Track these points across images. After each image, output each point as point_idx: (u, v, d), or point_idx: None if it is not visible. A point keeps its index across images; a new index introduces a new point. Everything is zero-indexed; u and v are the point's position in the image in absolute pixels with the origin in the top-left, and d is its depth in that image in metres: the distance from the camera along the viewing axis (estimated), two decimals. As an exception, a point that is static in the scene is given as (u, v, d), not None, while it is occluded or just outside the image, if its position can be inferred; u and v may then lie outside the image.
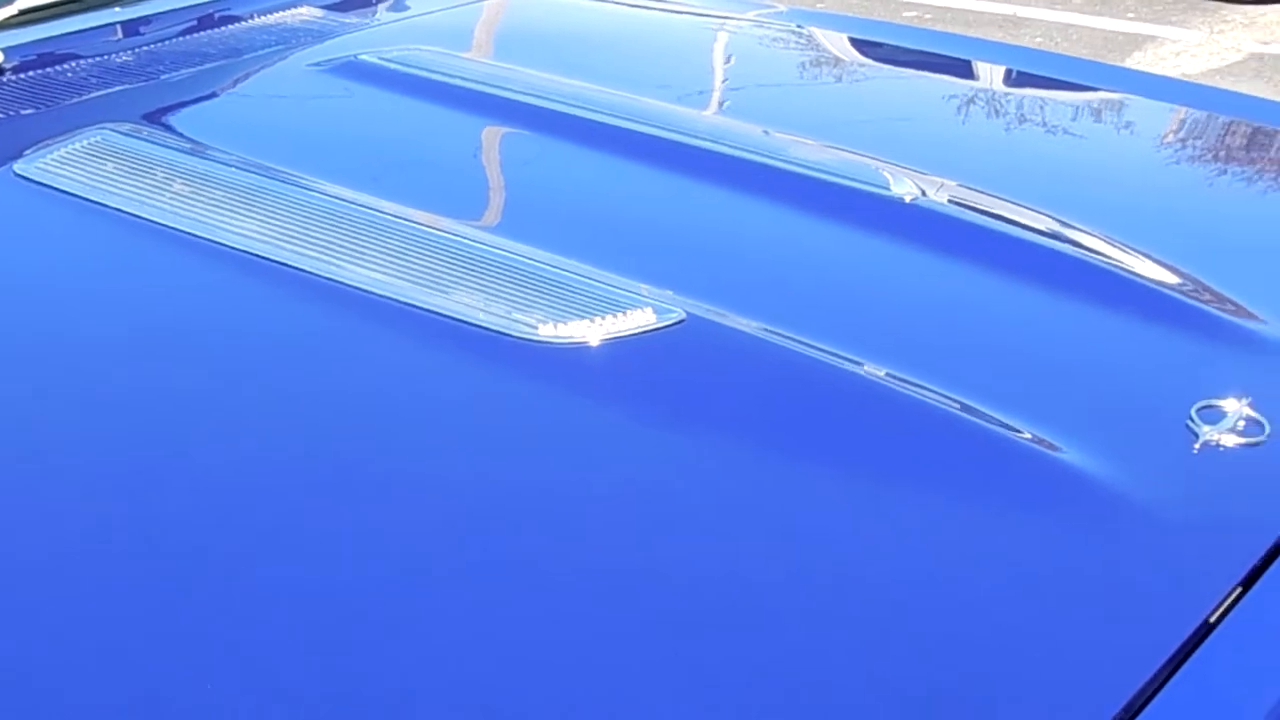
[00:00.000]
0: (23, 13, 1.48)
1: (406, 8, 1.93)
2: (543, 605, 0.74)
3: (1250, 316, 1.13)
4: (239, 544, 0.79)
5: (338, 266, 1.06)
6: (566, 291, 1.04)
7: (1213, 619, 0.77)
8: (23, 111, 1.39)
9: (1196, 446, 0.92)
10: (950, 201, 1.29)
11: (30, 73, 1.46)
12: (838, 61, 1.96)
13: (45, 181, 1.20)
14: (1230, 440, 0.92)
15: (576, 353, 0.98)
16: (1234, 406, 0.95)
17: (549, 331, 0.98)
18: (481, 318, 0.99)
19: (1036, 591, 0.81)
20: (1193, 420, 0.94)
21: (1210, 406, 0.95)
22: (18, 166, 1.22)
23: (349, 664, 0.68)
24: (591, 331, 0.98)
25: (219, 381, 0.98)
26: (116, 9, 1.60)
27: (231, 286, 1.09)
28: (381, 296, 1.02)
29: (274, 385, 0.99)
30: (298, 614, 0.72)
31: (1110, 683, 0.72)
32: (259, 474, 0.88)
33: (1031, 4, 6.06)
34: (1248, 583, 0.81)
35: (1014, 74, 1.83)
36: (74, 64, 1.51)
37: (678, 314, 1.00)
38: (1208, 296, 1.15)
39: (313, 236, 1.10)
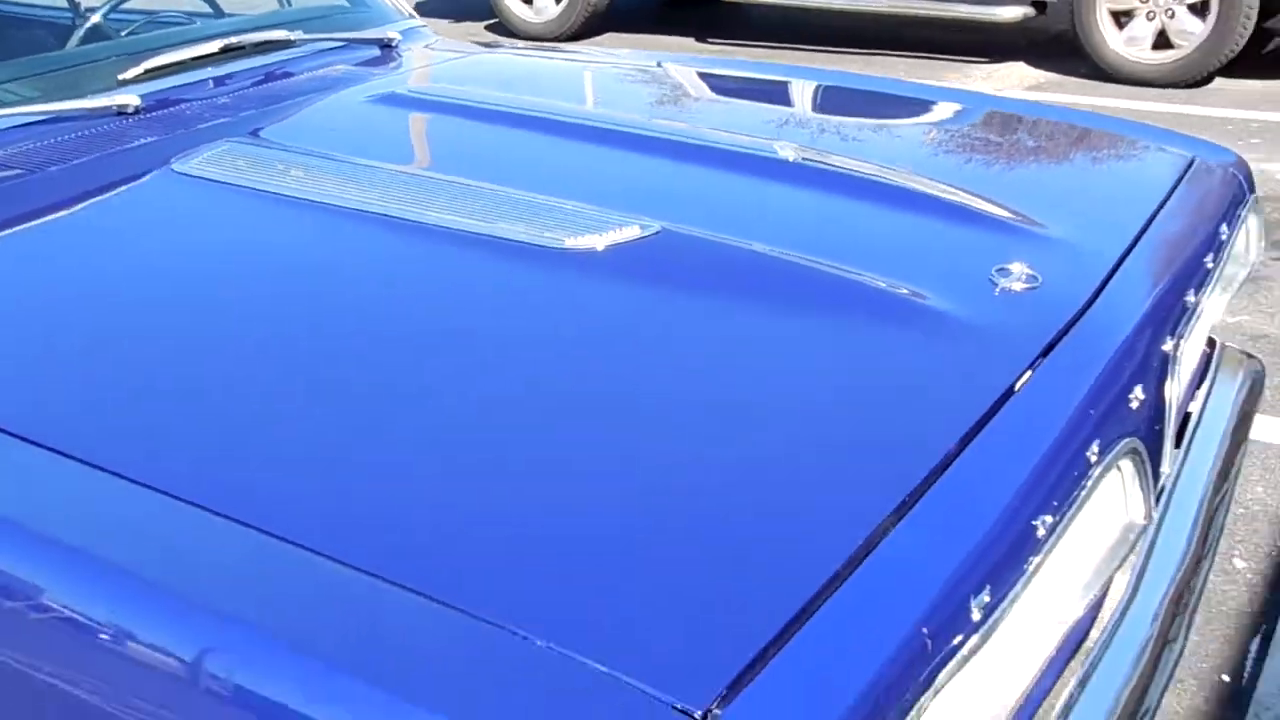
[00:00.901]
0: (147, 71, 1.93)
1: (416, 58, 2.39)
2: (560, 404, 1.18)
3: (1030, 221, 1.63)
4: (395, 370, 1.22)
5: (417, 212, 1.51)
6: (578, 220, 1.49)
7: (1015, 386, 1.23)
8: (163, 135, 1.82)
9: (996, 291, 1.40)
10: (818, 160, 1.79)
11: (160, 111, 1.90)
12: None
13: (198, 174, 1.64)
14: (1017, 286, 1.40)
15: (589, 254, 1.43)
16: (1018, 267, 1.42)
17: (572, 243, 1.43)
18: (524, 237, 1.45)
19: (890, 373, 1.26)
20: (993, 276, 1.41)
21: (1003, 268, 1.42)
22: (175, 166, 1.66)
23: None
24: (599, 241, 1.43)
25: (352, 283, 1.42)
26: (210, 69, 2.05)
27: (346, 229, 1.53)
28: (451, 229, 1.47)
29: (391, 284, 1.42)
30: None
31: (929, 429, 1.15)
32: (397, 333, 1.31)
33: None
34: (1033, 367, 1.27)
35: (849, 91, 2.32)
36: (187, 104, 1.96)
37: (656, 227, 1.46)
38: (1003, 211, 1.64)
39: (391, 194, 1.56)
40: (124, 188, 1.66)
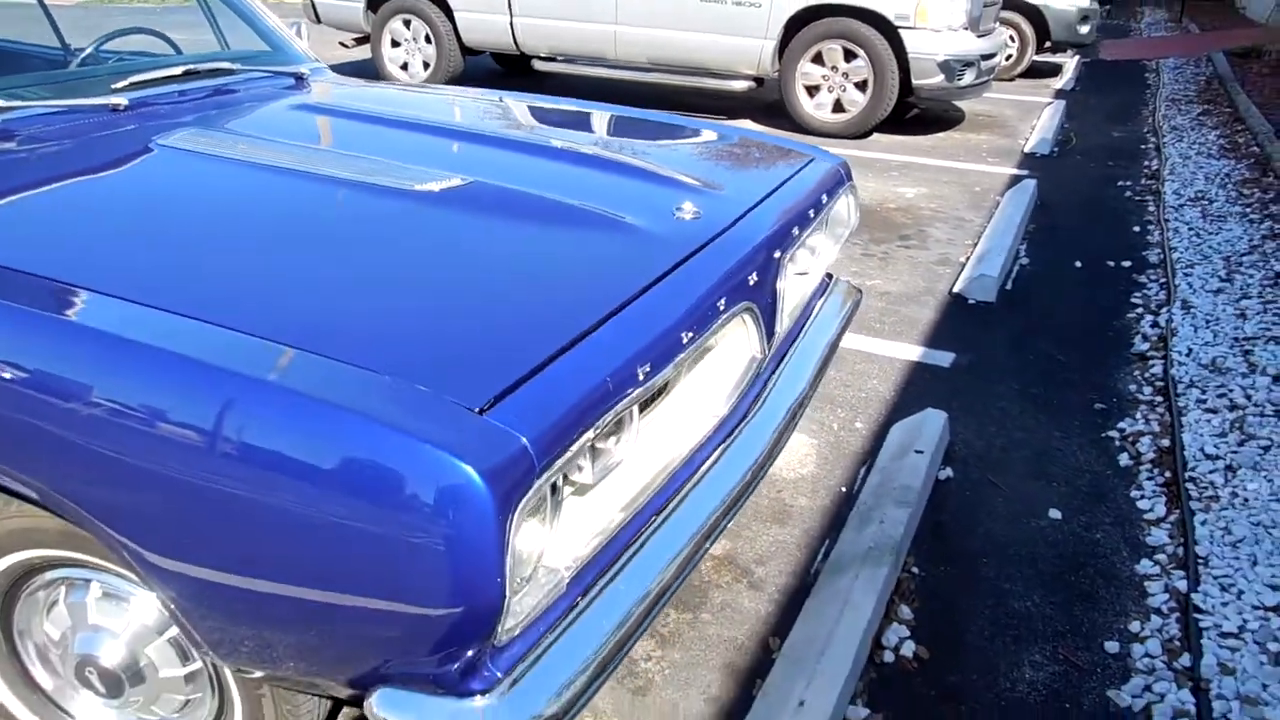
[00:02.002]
0: (131, 84, 2.08)
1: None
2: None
3: (705, 185, 1.91)
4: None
5: (323, 170, 1.74)
6: (422, 176, 1.74)
7: (679, 263, 1.52)
8: (145, 123, 1.98)
9: (673, 218, 1.69)
10: (577, 146, 2.04)
11: (142, 109, 2.05)
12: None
13: (172, 146, 1.83)
14: (687, 216, 1.70)
15: (429, 193, 1.68)
16: (689, 206, 1.73)
17: (419, 187, 1.68)
18: (390, 183, 1.69)
19: (605, 253, 1.53)
20: (672, 210, 1.71)
21: (679, 207, 1.72)
22: (158, 140, 1.84)
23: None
24: (436, 186, 1.69)
25: (284, 207, 1.62)
26: (175, 84, 2.19)
27: (276, 179, 1.73)
28: (345, 179, 1.70)
29: (311, 206, 1.61)
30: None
31: (628, 280, 1.43)
32: (316, 231, 1.52)
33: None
34: (690, 256, 1.57)
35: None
36: (160, 106, 2.11)
37: (470, 179, 1.73)
38: (689, 179, 1.92)
39: (305, 159, 1.78)
40: (124, 152, 1.82)
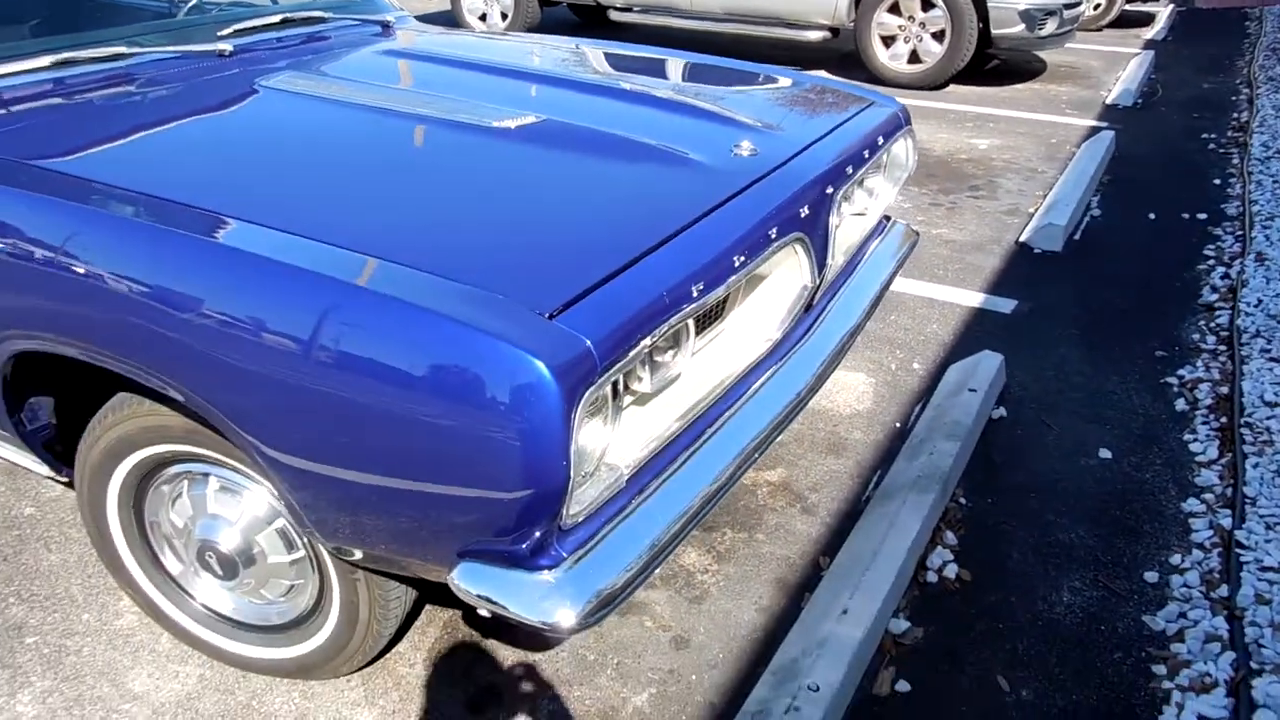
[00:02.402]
0: (235, 31, 2.26)
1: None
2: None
3: (766, 126, 2.01)
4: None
5: (409, 108, 1.89)
6: (500, 114, 1.88)
7: (736, 195, 1.63)
8: (250, 67, 2.16)
9: (731, 155, 1.80)
10: (646, 89, 2.15)
11: (245, 54, 2.23)
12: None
13: (275, 87, 2.00)
14: (745, 153, 1.80)
15: (506, 129, 1.81)
16: (746, 145, 1.83)
17: (497, 124, 1.82)
18: (470, 120, 1.83)
19: (670, 185, 1.64)
20: (731, 148, 1.82)
21: (738, 144, 1.83)
22: (261, 81, 2.02)
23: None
24: (512, 123, 1.83)
25: (379, 138, 1.77)
26: (273, 32, 2.36)
27: (369, 116, 1.88)
28: (429, 116, 1.85)
29: (402, 138, 1.76)
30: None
31: (691, 206, 1.55)
32: (408, 159, 1.67)
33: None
34: (746, 189, 1.68)
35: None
36: (261, 51, 2.28)
37: (543, 117, 1.86)
38: (750, 120, 2.02)
39: (393, 99, 1.93)
40: (233, 94, 2.00)
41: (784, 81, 2.43)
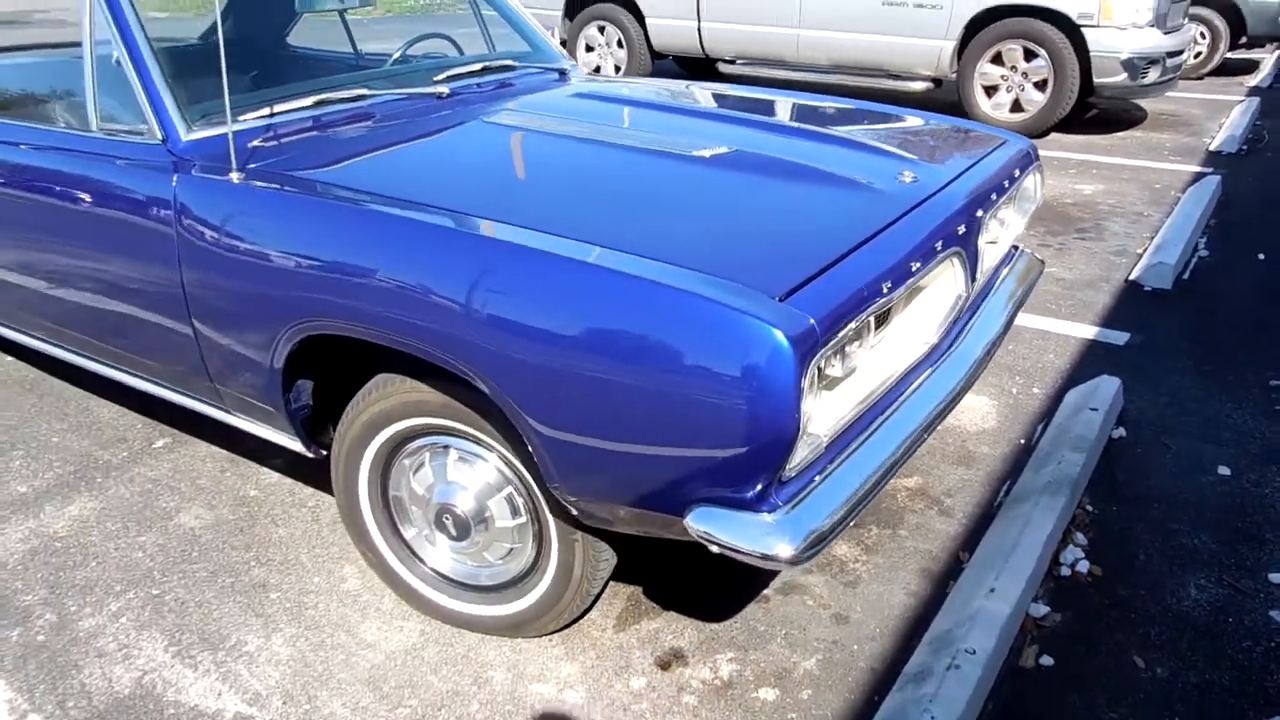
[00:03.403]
0: (447, 77, 2.64)
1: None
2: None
3: (923, 159, 2.27)
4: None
5: (614, 137, 2.22)
6: (697, 145, 2.20)
7: (904, 215, 1.91)
8: (469, 105, 2.53)
9: (898, 182, 2.08)
10: (820, 129, 2.46)
11: (459, 95, 2.61)
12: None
13: (495, 121, 2.37)
14: (908, 180, 2.08)
15: (703, 157, 2.13)
16: (909, 174, 2.12)
17: (695, 152, 2.14)
18: (673, 150, 2.16)
19: (851, 206, 1.94)
20: (896, 176, 2.11)
21: (901, 174, 2.11)
22: (483, 117, 2.39)
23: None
24: (707, 152, 2.14)
25: (591, 161, 2.10)
26: (475, 78, 2.75)
27: (580, 145, 2.22)
28: (636, 146, 2.18)
29: (611, 160, 2.09)
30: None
31: (872, 222, 1.83)
32: (623, 176, 2.00)
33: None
34: (912, 210, 1.96)
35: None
36: (471, 93, 2.66)
37: (734, 149, 2.17)
38: (909, 155, 2.30)
39: (599, 130, 2.27)
40: (462, 125, 2.37)
41: (925, 121, 2.71)
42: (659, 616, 2.20)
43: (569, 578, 1.95)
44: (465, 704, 1.96)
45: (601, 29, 8.00)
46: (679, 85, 3.11)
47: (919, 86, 6.86)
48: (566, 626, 2.14)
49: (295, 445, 2.24)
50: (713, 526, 1.55)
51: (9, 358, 3.61)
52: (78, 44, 3.71)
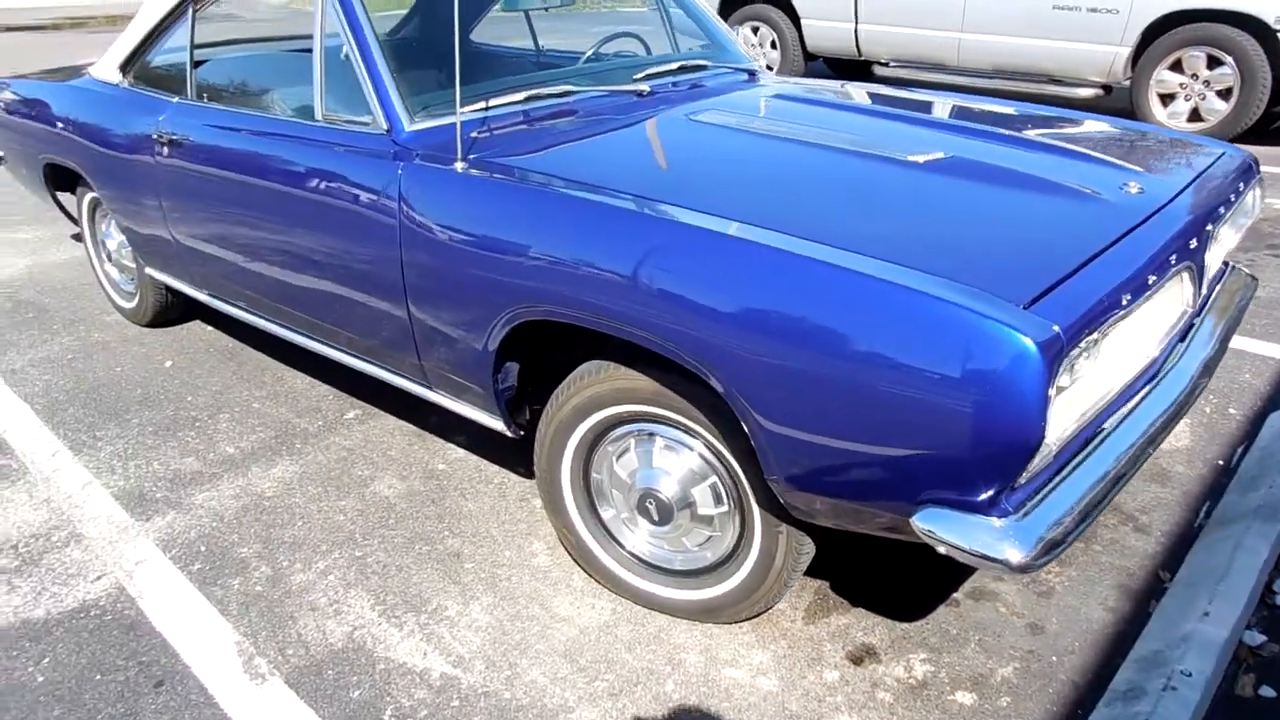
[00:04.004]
0: (646, 75, 2.71)
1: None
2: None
3: (1146, 170, 2.21)
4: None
5: (822, 139, 2.24)
6: (910, 150, 2.20)
7: (1137, 227, 1.86)
8: (671, 103, 2.59)
9: (1122, 192, 2.03)
10: (1043, 138, 2.41)
11: (659, 94, 2.67)
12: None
13: (699, 119, 2.42)
14: (1134, 190, 2.03)
15: (916, 163, 2.12)
16: (1134, 184, 2.06)
17: (909, 158, 2.14)
18: (886, 154, 2.16)
19: (1080, 215, 1.91)
20: (1121, 186, 2.05)
21: (1126, 184, 2.06)
22: (688, 114, 2.44)
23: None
24: (920, 158, 2.14)
25: (802, 159, 2.13)
26: (671, 76, 2.81)
27: (789, 146, 2.25)
28: (845, 148, 2.19)
29: (820, 159, 2.13)
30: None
31: (1106, 232, 1.80)
32: (831, 175, 2.02)
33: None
34: (1142, 223, 1.91)
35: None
36: (671, 91, 2.72)
37: (950, 154, 2.16)
38: (1133, 166, 2.24)
39: (809, 131, 2.29)
40: (670, 124, 2.42)
41: (1131, 129, 2.63)
42: (848, 612, 2.21)
43: (769, 567, 1.98)
44: (660, 682, 2.02)
45: (755, 29, 8.01)
46: (870, 88, 3.09)
47: (1087, 93, 6.62)
48: (757, 615, 2.17)
49: (494, 423, 2.34)
50: (942, 528, 1.56)
51: (209, 327, 3.87)
52: (291, 37, 3.95)
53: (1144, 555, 2.39)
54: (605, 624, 2.19)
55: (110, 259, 3.85)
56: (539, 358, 2.26)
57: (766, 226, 1.74)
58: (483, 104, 2.42)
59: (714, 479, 2.00)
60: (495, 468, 2.82)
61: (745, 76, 3.05)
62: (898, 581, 2.30)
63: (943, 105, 2.81)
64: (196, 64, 3.03)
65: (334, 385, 3.35)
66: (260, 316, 3.00)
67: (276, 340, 3.63)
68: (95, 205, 3.79)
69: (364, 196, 2.31)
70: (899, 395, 1.50)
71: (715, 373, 1.70)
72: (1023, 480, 1.58)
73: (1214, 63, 6.10)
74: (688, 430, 1.98)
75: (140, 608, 2.28)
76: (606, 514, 2.22)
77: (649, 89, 2.67)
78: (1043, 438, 1.45)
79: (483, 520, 2.58)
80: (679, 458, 2.03)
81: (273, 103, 2.88)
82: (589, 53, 3.04)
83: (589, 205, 1.89)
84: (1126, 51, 6.32)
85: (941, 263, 1.61)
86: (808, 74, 8.69)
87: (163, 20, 3.12)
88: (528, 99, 2.48)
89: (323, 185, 2.42)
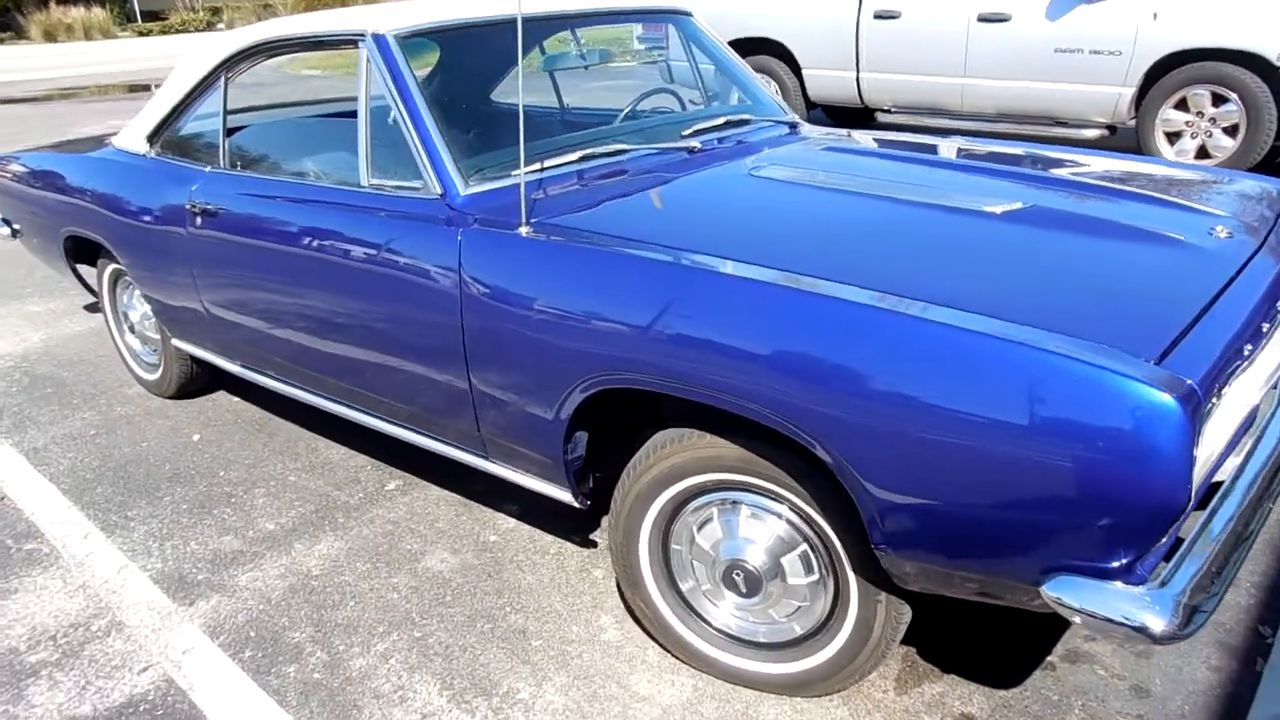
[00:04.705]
0: (694, 132, 2.67)
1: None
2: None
3: (1230, 215, 2.16)
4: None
5: (890, 192, 2.20)
6: (988, 200, 2.15)
7: (1235, 276, 1.81)
8: (726, 158, 2.55)
9: (1212, 237, 1.99)
10: (1126, 186, 2.36)
11: (708, 150, 2.64)
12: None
13: (760, 175, 2.37)
14: (1223, 235, 1.99)
15: (995, 213, 2.08)
16: (1221, 229, 2.02)
17: (988, 209, 2.09)
18: (967, 205, 2.11)
19: (1171, 264, 1.86)
20: (1210, 231, 2.01)
21: (1213, 229, 2.02)
22: (750, 169, 2.39)
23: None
24: (999, 208, 2.09)
25: (870, 212, 2.09)
26: (717, 132, 2.77)
27: (850, 199, 2.21)
28: (920, 201, 2.14)
29: (894, 213, 2.08)
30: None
31: (1207, 283, 1.74)
32: (908, 232, 1.97)
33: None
34: (1241, 269, 1.86)
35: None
36: (722, 146, 2.68)
37: (1029, 204, 2.12)
38: (1218, 211, 2.19)
39: (872, 184, 2.25)
40: (729, 180, 2.38)
41: (1192, 170, 2.61)
42: (940, 679, 2.12)
43: (867, 638, 1.90)
44: (757, 766, 1.91)
45: (756, 79, 8.06)
46: (919, 139, 3.07)
47: (1092, 133, 6.66)
48: (849, 687, 2.07)
49: (558, 494, 2.26)
50: (1076, 597, 1.48)
51: (235, 398, 3.78)
52: (320, 101, 3.91)
53: (1238, 609, 2.31)
54: (688, 701, 2.09)
55: (133, 330, 3.76)
56: (606, 425, 2.19)
57: (871, 287, 1.68)
58: (537, 165, 2.37)
59: (803, 547, 1.92)
60: (550, 537, 2.73)
61: (786, 130, 3.02)
62: (985, 644, 2.21)
63: (998, 155, 2.78)
64: (229, 132, 2.99)
65: (371, 455, 3.25)
66: (298, 387, 2.92)
67: (307, 410, 3.52)
68: (117, 277, 3.71)
69: (418, 263, 2.25)
70: (1033, 460, 1.43)
71: (825, 442, 1.63)
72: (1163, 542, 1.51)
73: (1219, 100, 6.15)
74: (776, 497, 1.90)
75: (193, 700, 2.17)
76: (686, 586, 2.13)
77: (699, 145, 2.63)
78: (1190, 498, 1.38)
79: (544, 594, 2.48)
80: (766, 526, 1.95)
81: (312, 170, 2.83)
82: (626, 110, 3.01)
83: (682, 270, 1.82)
84: (1130, 92, 6.37)
85: (1052, 317, 1.55)
86: (810, 122, 8.74)
87: (193, 90, 3.07)
88: (582, 158, 2.43)
89: (372, 252, 2.36)
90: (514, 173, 2.34)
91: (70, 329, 4.70)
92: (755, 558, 1.96)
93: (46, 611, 2.51)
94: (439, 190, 2.28)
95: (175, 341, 3.41)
